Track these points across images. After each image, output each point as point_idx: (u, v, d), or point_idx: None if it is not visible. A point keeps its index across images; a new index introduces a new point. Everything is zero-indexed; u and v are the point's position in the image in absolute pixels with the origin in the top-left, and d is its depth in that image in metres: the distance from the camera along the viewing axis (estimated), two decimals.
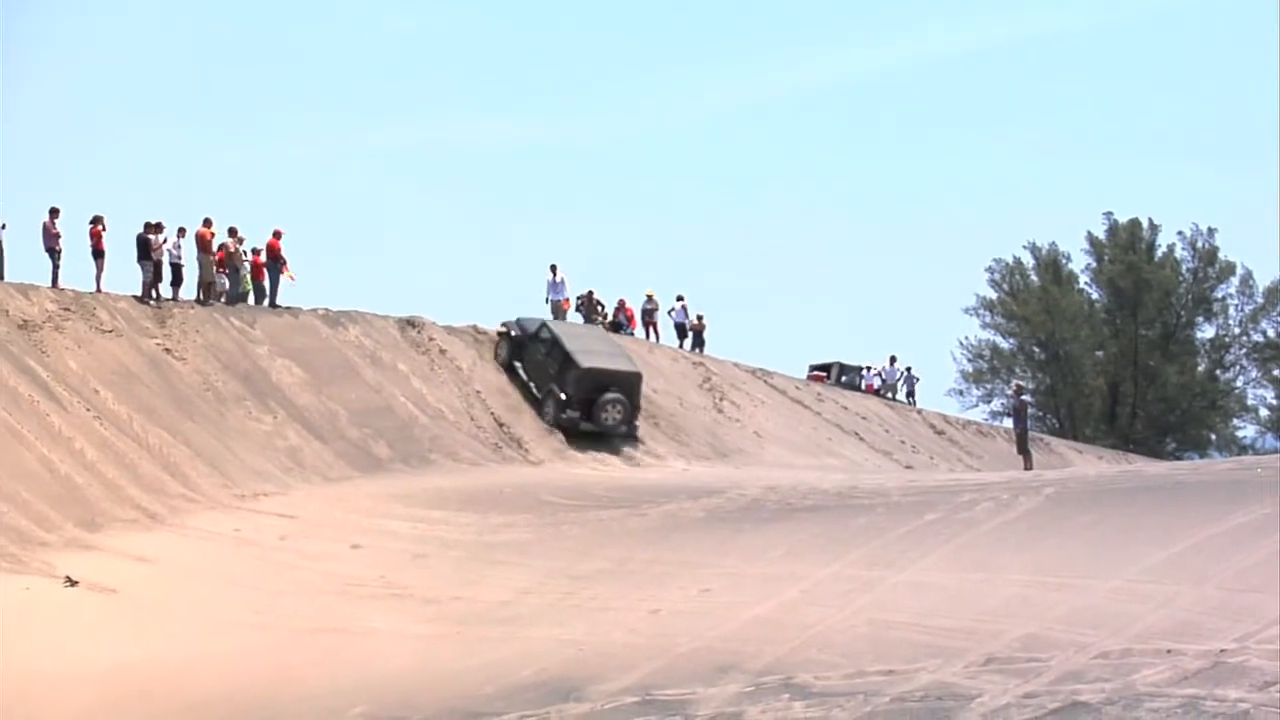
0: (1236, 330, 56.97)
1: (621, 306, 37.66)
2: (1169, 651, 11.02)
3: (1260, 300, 56.20)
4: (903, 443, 36.09)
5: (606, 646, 13.77)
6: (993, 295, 58.31)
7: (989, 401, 57.08)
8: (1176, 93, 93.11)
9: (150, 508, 20.25)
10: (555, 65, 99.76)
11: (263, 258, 28.77)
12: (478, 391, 28.62)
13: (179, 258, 27.05)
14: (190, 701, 13.91)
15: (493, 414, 28.06)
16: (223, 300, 27.90)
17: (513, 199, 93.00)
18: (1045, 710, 10.23)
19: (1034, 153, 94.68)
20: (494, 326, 30.96)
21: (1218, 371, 57.46)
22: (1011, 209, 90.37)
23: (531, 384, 29.33)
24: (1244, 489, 15.67)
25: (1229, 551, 13.13)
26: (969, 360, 58.37)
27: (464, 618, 15.58)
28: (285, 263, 28.81)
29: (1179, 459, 50.17)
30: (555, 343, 28.97)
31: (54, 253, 25.60)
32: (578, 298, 36.04)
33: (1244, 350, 57.09)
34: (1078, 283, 58.34)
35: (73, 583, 17.21)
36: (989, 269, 58.52)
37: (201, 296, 27.34)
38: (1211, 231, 56.48)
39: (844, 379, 42.68)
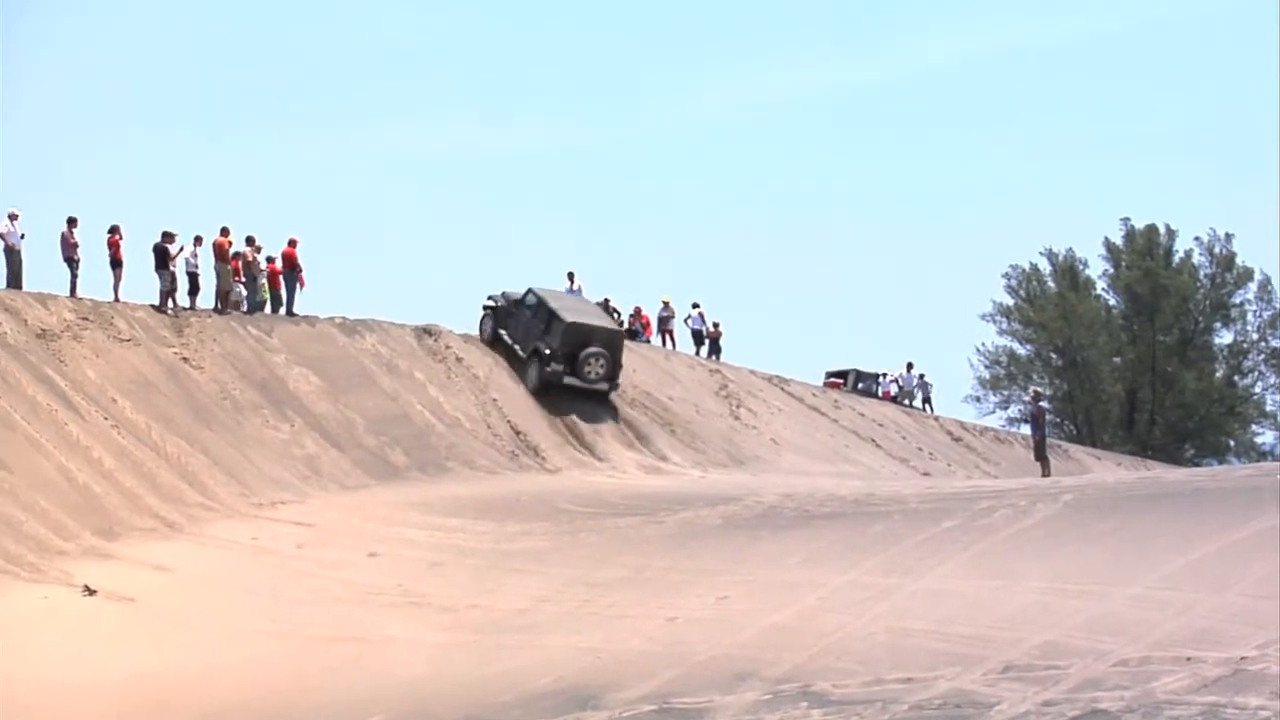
0: (1255, 336, 56.72)
1: (637, 314, 37.69)
2: (1189, 659, 10.98)
3: (1278, 306, 56.01)
4: (920, 450, 36.02)
5: (624, 654, 13.77)
6: (1009, 301, 58.16)
7: (1006, 408, 56.94)
8: (1193, 97, 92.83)
9: (168, 516, 20.29)
10: (567, 69, 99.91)
11: (279, 266, 28.86)
12: (494, 399, 28.64)
13: (196, 267, 27.14)
14: (208, 710, 13.94)
15: (509, 422, 28.08)
16: (241, 309, 27.98)
17: (522, 205, 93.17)
18: (1065, 718, 10.20)
19: (1050, 158, 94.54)
20: None
21: (1236, 377, 57.21)
22: (1028, 215, 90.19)
23: (516, 346, 30.24)
24: (1263, 495, 15.59)
25: (1249, 558, 13.06)
26: (986, 367, 58.20)
27: (481, 626, 15.58)
28: (301, 270, 28.91)
29: (1198, 465, 49.99)
30: (540, 303, 30.06)
31: (72, 262, 25.68)
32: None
33: (1262, 356, 56.83)
34: (1095, 289, 58.14)
35: (91, 592, 17.25)
36: (1006, 275, 58.38)
37: (219, 305, 27.41)
38: (1229, 237, 56.30)
39: (860, 386, 42.61)
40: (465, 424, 27.36)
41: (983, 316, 58.41)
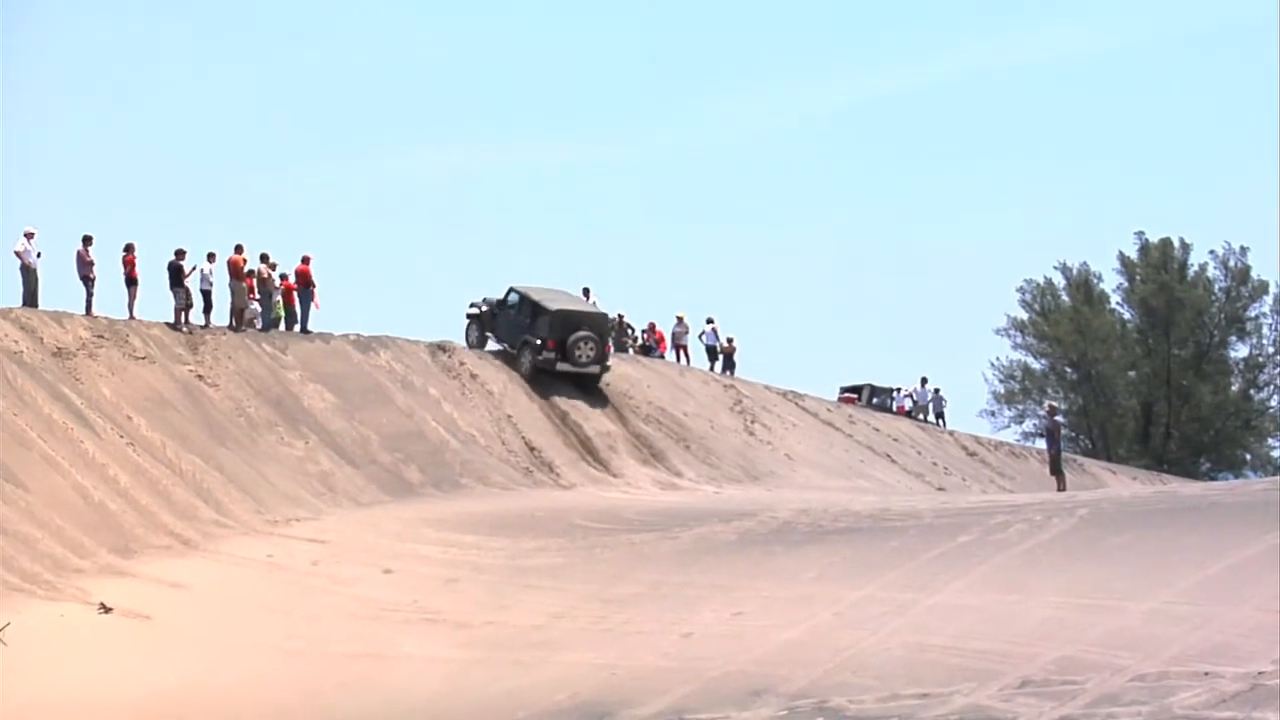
0: (1270, 349, 56.51)
1: (652, 330, 37.70)
2: (1206, 674, 10.93)
3: None
4: (935, 464, 35.96)
5: (639, 670, 13.76)
6: (1024, 316, 58.08)
7: (1021, 422, 56.81)
8: (1207, 111, 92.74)
9: (183, 534, 20.33)
10: (582, 88, 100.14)
11: (293, 283, 28.93)
12: (509, 416, 28.66)
13: (210, 284, 27.22)
14: None
15: (524, 438, 28.10)
16: (255, 326, 28.05)
17: (537, 222, 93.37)
18: None
19: (1065, 172, 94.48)
20: None
21: (1252, 391, 57.00)
22: (1042, 229, 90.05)
23: (505, 345, 31.05)
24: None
25: (1266, 572, 13.02)
26: (1000, 381, 58.13)
27: (496, 642, 15.58)
28: (315, 287, 28.99)
29: (1214, 479, 49.80)
30: (524, 299, 30.95)
31: (88, 280, 25.75)
32: None
33: (1278, 369, 56.67)
34: (1109, 303, 58.03)
35: (107, 609, 17.29)
36: (1020, 289, 58.32)
37: (234, 323, 27.47)
38: (1244, 250, 56.12)
39: (875, 401, 42.57)
40: (480, 440, 27.37)
41: (997, 331, 58.41)
